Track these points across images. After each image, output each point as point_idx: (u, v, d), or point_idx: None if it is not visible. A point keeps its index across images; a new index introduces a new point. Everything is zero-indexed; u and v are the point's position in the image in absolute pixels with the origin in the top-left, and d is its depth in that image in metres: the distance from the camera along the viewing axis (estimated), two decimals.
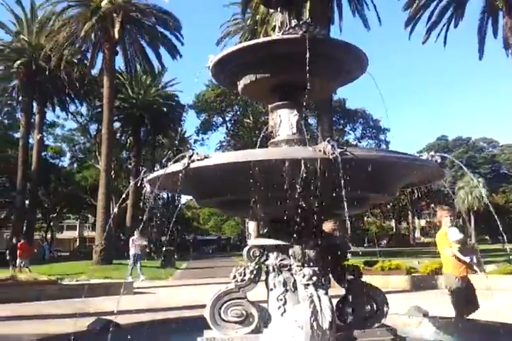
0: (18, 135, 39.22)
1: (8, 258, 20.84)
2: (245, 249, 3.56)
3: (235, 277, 3.50)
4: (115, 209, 31.79)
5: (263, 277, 3.56)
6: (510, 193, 65.90)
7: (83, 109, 42.67)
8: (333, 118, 33.98)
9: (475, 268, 6.41)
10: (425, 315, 4.74)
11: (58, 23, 28.37)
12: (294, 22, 3.61)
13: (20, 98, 36.60)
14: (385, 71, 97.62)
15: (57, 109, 38.85)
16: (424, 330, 4.42)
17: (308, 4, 18.01)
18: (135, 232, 18.71)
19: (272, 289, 3.48)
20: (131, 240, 18.34)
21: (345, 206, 2.67)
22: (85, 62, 30.71)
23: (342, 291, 3.60)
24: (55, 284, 12.66)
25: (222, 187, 3.23)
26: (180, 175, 2.97)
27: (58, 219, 56.94)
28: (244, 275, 3.49)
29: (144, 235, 20.64)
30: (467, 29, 45.44)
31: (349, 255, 3.90)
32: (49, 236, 55.71)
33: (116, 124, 39.52)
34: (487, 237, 61.23)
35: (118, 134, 41.96)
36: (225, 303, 3.46)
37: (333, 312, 3.08)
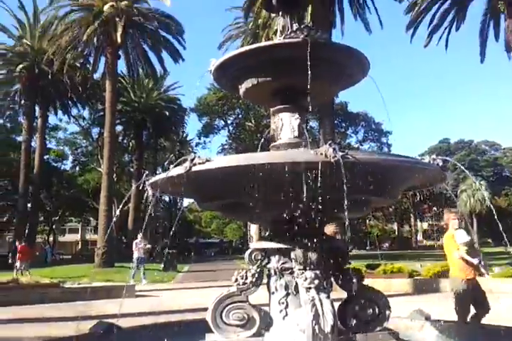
0: (20, 138, 39.33)
1: (10, 261, 20.86)
2: (247, 252, 3.56)
3: (236, 280, 3.50)
4: (117, 212, 31.80)
5: (265, 280, 3.56)
6: None
7: (85, 113, 42.93)
8: (335, 122, 33.99)
9: (482, 270, 6.38)
10: (427, 318, 4.71)
11: (61, 27, 28.43)
12: (295, 26, 3.63)
13: (22, 102, 36.70)
14: (386, 74, 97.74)
15: (60, 112, 39.05)
16: (426, 334, 4.40)
17: (309, 8, 18.06)
18: (138, 235, 18.64)
19: (273, 292, 3.48)
20: (134, 243, 18.24)
21: (347, 209, 2.67)
22: (88, 66, 30.84)
23: (344, 294, 3.60)
24: (57, 287, 12.66)
25: (223, 191, 3.24)
26: (182, 178, 2.98)
27: (60, 222, 56.98)
28: (246, 278, 3.49)
29: (146, 238, 20.59)
30: (469, 32, 45.42)
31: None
32: (51, 239, 55.75)
33: (119, 128, 39.69)
34: (489, 240, 61.04)
35: (120, 137, 42.10)
36: (227, 307, 3.46)
37: (334, 316, 3.08)
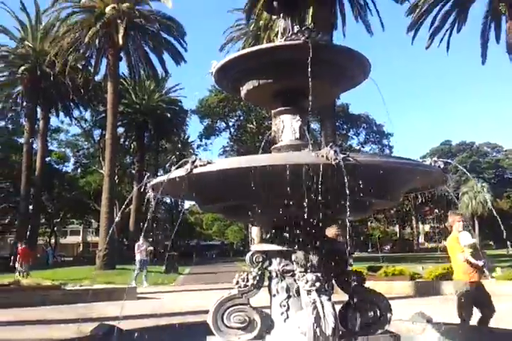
0: (22, 140, 39.42)
1: (12, 263, 20.87)
2: (248, 255, 3.55)
3: (237, 283, 3.49)
4: (118, 214, 31.84)
5: (266, 283, 3.56)
6: None
7: (87, 115, 43.03)
8: (337, 123, 34.03)
9: (486, 272, 6.35)
10: (429, 321, 4.70)
11: (63, 29, 28.51)
12: (296, 28, 3.63)
13: (24, 104, 36.84)
14: (388, 76, 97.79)
15: (61, 114, 39.13)
16: (427, 336, 4.39)
17: (311, 10, 18.09)
18: (140, 238, 18.55)
19: (274, 295, 3.47)
20: (136, 246, 18.13)
21: (348, 211, 2.67)
22: (89, 67, 30.91)
23: (345, 297, 3.59)
24: (58, 289, 12.66)
25: (225, 193, 3.23)
26: (183, 180, 2.98)
27: (62, 224, 57.07)
28: (247, 280, 3.47)
29: (148, 240, 20.55)
30: (470, 34, 45.46)
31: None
32: (53, 241, 55.86)
33: (120, 129, 39.74)
34: (491, 242, 60.98)
35: (122, 139, 42.15)
36: (228, 309, 3.44)
37: (336, 319, 3.06)
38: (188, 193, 3.40)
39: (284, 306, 3.38)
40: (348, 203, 2.63)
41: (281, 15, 3.88)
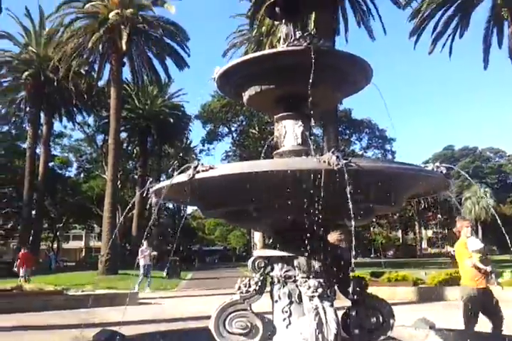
0: (25, 145, 39.54)
1: (14, 268, 20.81)
2: (250, 260, 3.54)
3: (239, 288, 3.48)
4: (121, 219, 31.84)
5: (268, 288, 3.54)
6: None
7: (90, 120, 43.14)
8: (339, 129, 34.02)
9: (493, 278, 6.31)
10: (432, 327, 4.67)
11: (66, 34, 28.66)
12: (298, 34, 3.64)
13: (27, 109, 36.98)
14: (390, 81, 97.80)
15: (65, 119, 39.24)
16: None
17: (313, 16, 18.13)
18: (144, 243, 18.46)
19: (276, 301, 3.45)
20: (140, 251, 18.00)
21: (352, 217, 2.66)
22: (93, 73, 31.00)
23: (347, 303, 3.57)
24: (60, 294, 12.65)
25: (227, 198, 3.23)
26: (186, 185, 2.98)
27: (64, 229, 57.11)
28: (249, 286, 3.46)
29: (151, 245, 20.49)
30: (472, 39, 45.54)
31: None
32: (55, 246, 55.86)
33: (123, 134, 39.85)
34: (495, 248, 60.71)
35: (125, 144, 42.28)
36: (230, 315, 3.43)
37: (338, 325, 3.06)
38: (191, 198, 3.40)
39: (286, 312, 3.37)
40: (350, 209, 2.62)
41: (284, 20, 3.89)
